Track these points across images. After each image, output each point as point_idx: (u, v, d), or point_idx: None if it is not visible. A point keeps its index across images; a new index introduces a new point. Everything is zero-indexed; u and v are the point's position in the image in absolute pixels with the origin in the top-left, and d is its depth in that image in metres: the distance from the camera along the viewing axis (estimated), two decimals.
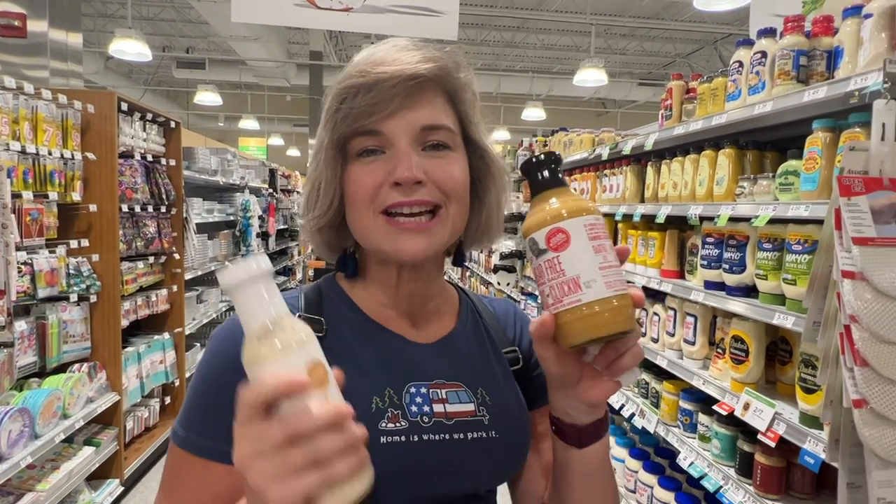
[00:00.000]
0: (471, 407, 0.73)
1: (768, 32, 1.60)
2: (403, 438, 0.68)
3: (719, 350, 1.83)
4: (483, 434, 0.72)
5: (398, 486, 0.67)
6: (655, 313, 2.19)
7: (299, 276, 8.73)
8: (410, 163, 0.66)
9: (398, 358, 0.73)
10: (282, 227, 7.34)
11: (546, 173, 0.62)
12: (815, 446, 1.36)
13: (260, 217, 5.66)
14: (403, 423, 0.69)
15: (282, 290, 0.95)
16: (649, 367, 2.32)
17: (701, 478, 1.80)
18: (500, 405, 0.75)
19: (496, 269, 4.07)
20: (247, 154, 7.41)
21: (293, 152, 17.45)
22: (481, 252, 5.72)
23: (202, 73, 11.72)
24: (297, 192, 8.92)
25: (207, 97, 10.37)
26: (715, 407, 1.74)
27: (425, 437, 0.69)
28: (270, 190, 6.63)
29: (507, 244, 4.00)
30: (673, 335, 2.06)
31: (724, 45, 12.95)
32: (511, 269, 4.07)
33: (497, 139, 14.12)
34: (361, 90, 0.66)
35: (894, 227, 1.04)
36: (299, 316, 0.71)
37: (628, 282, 0.59)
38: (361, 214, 0.69)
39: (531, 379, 0.82)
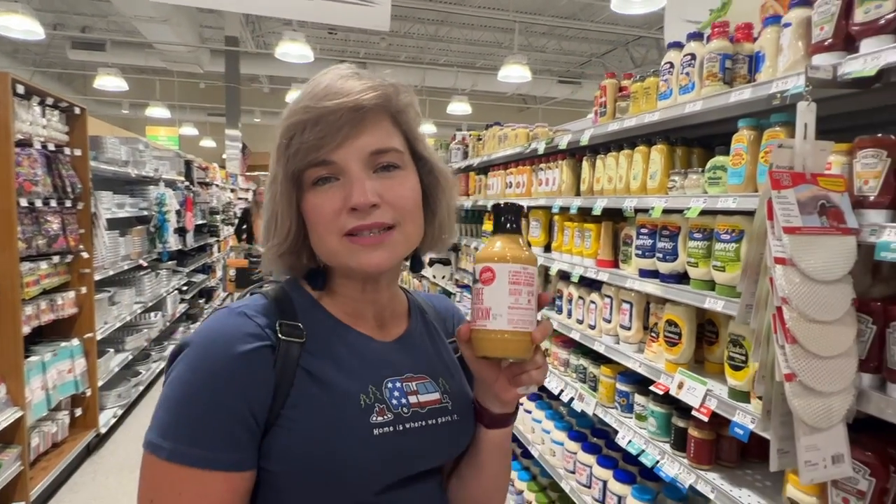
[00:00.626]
0: (437, 395, 0.84)
1: (697, 36, 1.72)
2: (392, 429, 0.76)
3: (653, 334, 1.95)
4: (449, 418, 0.83)
5: (389, 470, 0.76)
6: (592, 301, 2.30)
7: (219, 273, 8.30)
8: (364, 188, 0.72)
9: (371, 356, 0.81)
10: (200, 222, 6.93)
11: (503, 220, 0.76)
12: (744, 418, 1.49)
13: (177, 212, 5.32)
14: (389, 416, 0.77)
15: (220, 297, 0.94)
16: (587, 352, 2.43)
17: (639, 454, 1.92)
18: (457, 391, 0.87)
19: (432, 263, 4.08)
20: (159, 144, 6.92)
21: (208, 143, 16.51)
22: None
23: (102, 55, 10.79)
24: (217, 185, 8.45)
25: (110, 82, 9.58)
26: (651, 387, 1.85)
27: (408, 426, 0.78)
28: (187, 183, 6.24)
29: None
30: (610, 321, 2.17)
31: (634, 46, 13.72)
32: (447, 262, 4.10)
33: (424, 132, 14.14)
34: (308, 125, 0.71)
35: (816, 218, 1.16)
36: (279, 323, 0.75)
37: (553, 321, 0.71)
38: (326, 239, 0.75)
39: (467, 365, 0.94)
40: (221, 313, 0.75)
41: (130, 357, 4.49)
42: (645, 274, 1.96)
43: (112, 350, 4.20)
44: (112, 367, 4.13)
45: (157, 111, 12.46)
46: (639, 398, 2.03)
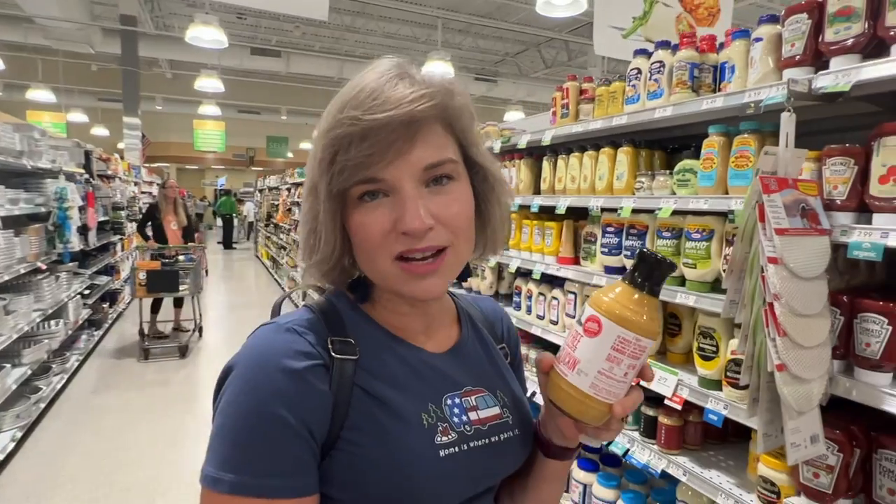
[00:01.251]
0: (497, 410, 0.79)
1: (665, 45, 1.80)
2: (457, 449, 0.72)
3: None
4: (510, 433, 0.79)
5: (456, 492, 0.72)
6: (554, 297, 2.36)
7: (124, 274, 7.59)
8: (418, 212, 0.64)
9: (427, 371, 0.75)
10: (102, 218, 6.29)
11: (644, 276, 0.64)
12: (717, 405, 1.60)
13: (79, 208, 4.79)
14: (453, 435, 0.72)
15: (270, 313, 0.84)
16: (546, 347, 2.50)
17: (609, 443, 2.00)
18: (515, 403, 0.82)
19: None
20: (57, 133, 6.18)
21: (100, 131, 15.01)
22: None
23: None
24: (120, 179, 7.69)
25: None
26: None
27: (472, 445, 0.73)
28: (87, 175, 5.62)
29: None
30: (573, 316, 2.23)
31: (545, 48, 14.21)
32: None
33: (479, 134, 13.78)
34: (354, 140, 0.63)
35: (799, 220, 1.26)
36: (331, 340, 0.69)
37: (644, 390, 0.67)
38: (374, 261, 0.68)
39: (516, 370, 0.92)
40: (267, 330, 0.69)
41: (29, 372, 3.98)
42: (611, 271, 2.04)
43: (8, 365, 3.70)
44: (8, 384, 3.64)
45: (39, 94, 11.12)
46: None
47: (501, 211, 0.79)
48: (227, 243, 17.33)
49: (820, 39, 1.35)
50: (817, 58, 1.37)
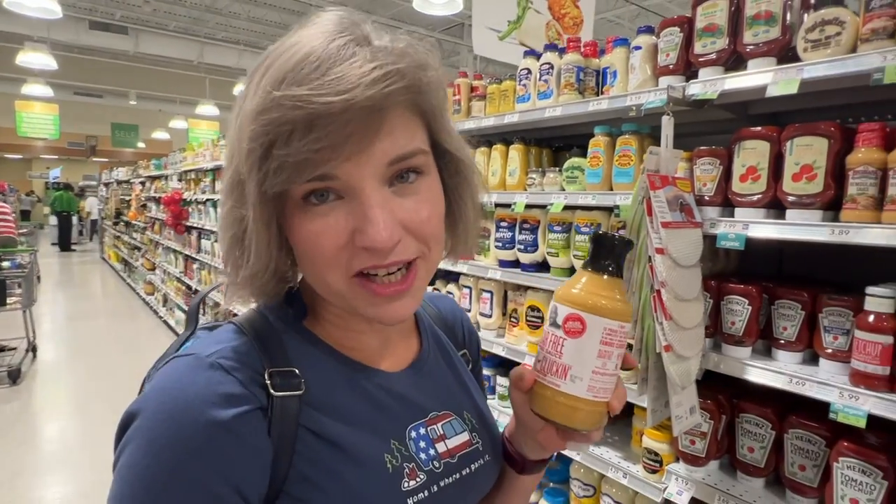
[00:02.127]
0: (466, 436, 0.69)
1: (553, 48, 1.89)
2: (426, 494, 0.62)
3: (513, 319, 2.12)
4: (481, 461, 0.70)
5: None
6: (449, 292, 2.38)
7: None
8: (383, 222, 0.52)
9: (387, 398, 0.64)
10: None
11: (611, 259, 0.60)
12: None
13: None
14: (422, 476, 0.62)
15: (191, 329, 0.70)
16: None
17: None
18: (483, 423, 0.73)
19: None
20: None
21: None
22: (216, 241, 5.14)
23: None
24: None
25: None
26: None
27: (442, 484, 0.64)
28: None
29: None
30: (469, 310, 2.27)
31: None
32: None
33: (203, 114, 12.68)
34: (298, 128, 0.48)
35: (679, 214, 1.39)
36: (269, 373, 0.55)
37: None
38: (326, 278, 0.55)
39: (476, 377, 0.84)
40: (183, 366, 0.54)
41: None
42: (505, 264, 2.11)
43: None
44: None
45: None
46: (500, 380, 2.18)
47: (475, 206, 0.67)
48: (65, 245, 15.16)
49: (690, 51, 1.50)
50: (688, 67, 1.52)
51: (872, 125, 1.20)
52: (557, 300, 0.61)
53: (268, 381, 0.55)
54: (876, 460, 1.21)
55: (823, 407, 1.32)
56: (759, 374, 1.37)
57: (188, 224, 6.09)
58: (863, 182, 1.20)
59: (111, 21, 11.97)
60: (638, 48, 1.61)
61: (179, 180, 6.39)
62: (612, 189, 1.71)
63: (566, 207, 1.83)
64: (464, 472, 0.67)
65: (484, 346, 2.18)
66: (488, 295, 2.20)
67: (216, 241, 5.19)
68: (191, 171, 6.02)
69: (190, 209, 6.03)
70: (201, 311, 0.74)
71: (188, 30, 13.00)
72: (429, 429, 0.66)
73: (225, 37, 13.40)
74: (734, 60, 1.44)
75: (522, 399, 0.64)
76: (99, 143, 18.57)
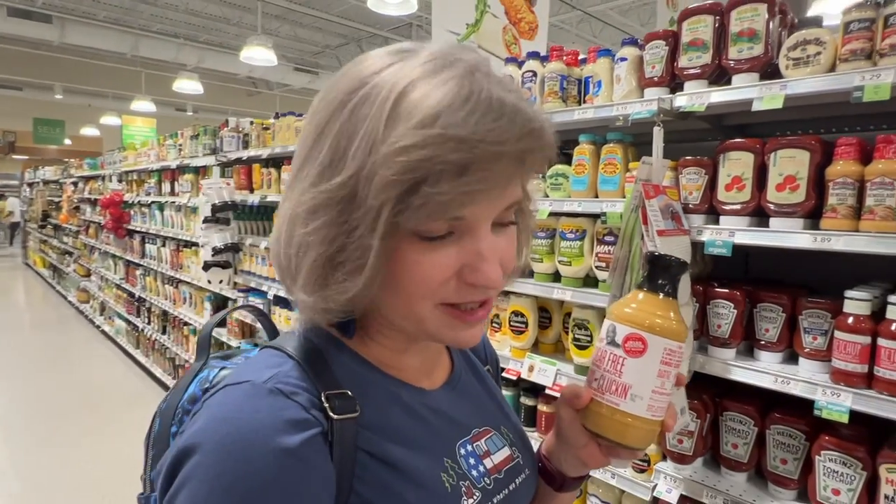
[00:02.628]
0: (507, 451, 0.70)
1: (535, 55, 1.91)
2: None
3: (495, 324, 2.13)
4: (524, 475, 0.71)
5: None
6: None
7: None
8: (496, 262, 0.54)
9: (433, 417, 0.64)
10: None
11: (667, 280, 0.62)
12: None
13: None
14: (477, 494, 0.62)
15: (237, 352, 0.67)
16: None
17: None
18: (519, 437, 0.74)
19: (206, 267, 3.56)
20: None
21: None
22: (163, 246, 4.90)
23: None
24: None
25: None
26: (503, 374, 2.02)
27: (496, 499, 0.65)
28: None
29: (220, 236, 3.54)
30: None
31: (367, 44, 14.20)
32: (225, 265, 3.63)
33: (138, 110, 12.00)
34: (449, 169, 0.47)
35: (671, 222, 1.44)
36: (325, 396, 0.54)
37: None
38: (415, 305, 0.55)
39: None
40: (242, 393, 0.52)
41: None
42: None
43: None
44: None
45: None
46: None
47: (530, 242, 0.72)
48: None
49: (675, 64, 1.55)
50: (673, 79, 1.58)
51: (850, 139, 1.29)
52: (616, 319, 0.61)
53: (326, 405, 0.54)
54: (855, 452, 1.30)
55: (802, 403, 1.41)
56: (746, 374, 1.44)
57: (130, 228, 5.76)
58: (842, 192, 1.28)
59: (32, 8, 11.11)
60: (623, 59, 1.65)
61: (120, 181, 6.02)
62: (597, 196, 1.75)
63: (551, 214, 1.85)
64: (510, 488, 0.67)
65: None
66: None
67: (164, 245, 4.93)
68: (133, 171, 5.69)
69: (132, 212, 5.70)
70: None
71: (119, 20, 12.27)
72: (474, 445, 0.66)
73: (161, 29, 12.75)
74: (718, 75, 1.50)
75: (572, 416, 0.65)
76: (18, 139, 17.20)
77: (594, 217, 1.80)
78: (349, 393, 0.56)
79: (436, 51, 0.53)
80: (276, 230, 0.59)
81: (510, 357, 2.03)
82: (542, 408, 1.97)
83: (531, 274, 1.97)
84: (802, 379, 1.34)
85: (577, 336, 1.83)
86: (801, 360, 1.43)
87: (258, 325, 3.49)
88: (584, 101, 1.85)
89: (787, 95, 1.31)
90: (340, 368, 0.59)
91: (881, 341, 1.23)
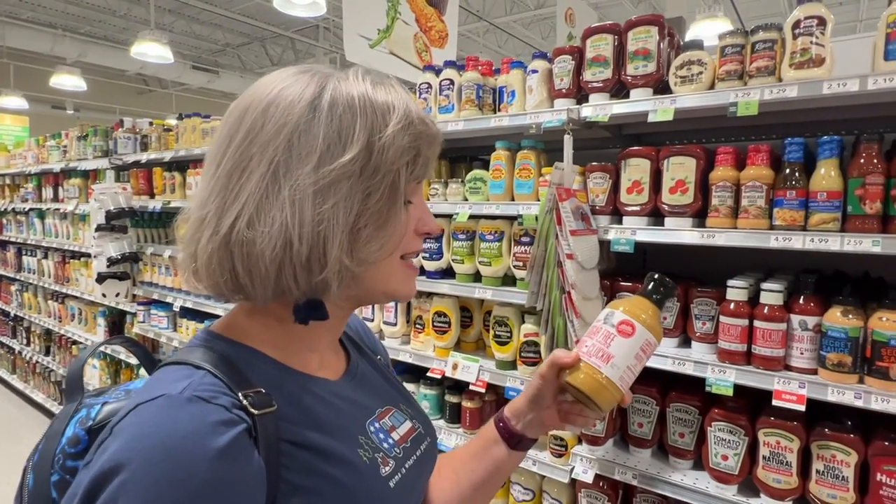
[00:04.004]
0: (409, 424, 0.79)
1: (452, 64, 1.98)
2: (400, 476, 0.71)
3: (418, 325, 2.17)
4: (427, 442, 0.81)
5: None
6: None
7: None
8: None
9: (340, 402, 0.71)
10: None
11: (660, 293, 0.81)
12: (515, 382, 1.85)
13: None
14: (392, 463, 0.71)
15: (148, 365, 0.68)
16: None
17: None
18: (417, 412, 0.84)
19: (102, 279, 3.28)
20: None
21: None
22: (45, 258, 4.45)
23: None
24: None
25: None
26: (428, 373, 2.07)
27: (407, 465, 0.74)
28: None
29: (116, 245, 3.28)
30: (373, 320, 2.28)
31: (271, 44, 13.72)
32: (123, 277, 3.37)
33: (6, 107, 10.71)
34: (431, 141, 0.68)
35: (581, 223, 1.56)
36: (243, 395, 0.57)
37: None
38: (392, 257, 0.68)
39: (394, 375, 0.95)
40: (157, 407, 0.53)
41: None
42: None
43: None
44: None
45: None
46: (408, 386, 2.22)
47: None
48: None
49: (581, 78, 1.69)
50: (579, 91, 1.71)
51: (727, 148, 1.48)
52: (616, 308, 0.79)
53: (245, 402, 0.57)
54: (739, 421, 1.49)
55: (695, 382, 1.59)
56: (651, 359, 1.59)
57: (2, 239, 5.15)
58: (722, 195, 1.46)
59: None
60: (535, 71, 1.77)
61: None
62: (514, 199, 1.85)
63: (471, 217, 1.93)
64: (417, 454, 0.77)
65: (391, 355, 2.21)
66: (392, 304, 2.22)
67: (45, 256, 4.47)
68: (5, 175, 5.09)
69: (5, 221, 5.10)
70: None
71: None
72: (380, 422, 0.74)
73: (32, 17, 11.49)
74: (618, 88, 1.66)
75: (552, 376, 0.80)
76: None
77: (511, 219, 1.90)
78: (263, 390, 0.60)
79: (360, 68, 0.69)
80: (270, 221, 0.59)
81: (434, 357, 2.08)
82: (466, 404, 2.04)
83: (453, 275, 2.04)
84: (695, 360, 1.51)
85: (497, 333, 1.92)
86: (693, 343, 1.60)
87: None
88: (499, 110, 1.95)
89: (676, 108, 1.48)
90: (250, 370, 0.62)
91: (757, 323, 1.42)
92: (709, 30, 5.79)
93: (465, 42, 11.36)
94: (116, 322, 3.87)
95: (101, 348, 3.62)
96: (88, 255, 3.85)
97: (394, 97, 0.66)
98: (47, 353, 4.68)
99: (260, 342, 0.66)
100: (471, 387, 1.96)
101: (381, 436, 0.72)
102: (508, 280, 1.93)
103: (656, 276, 0.82)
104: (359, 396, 0.74)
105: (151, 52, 7.38)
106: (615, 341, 0.76)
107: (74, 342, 4.23)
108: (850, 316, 1.32)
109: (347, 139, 0.61)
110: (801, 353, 1.39)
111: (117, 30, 12.22)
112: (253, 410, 0.57)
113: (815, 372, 1.38)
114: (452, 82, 1.96)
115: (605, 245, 1.64)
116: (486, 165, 1.93)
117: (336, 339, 0.77)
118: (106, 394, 0.69)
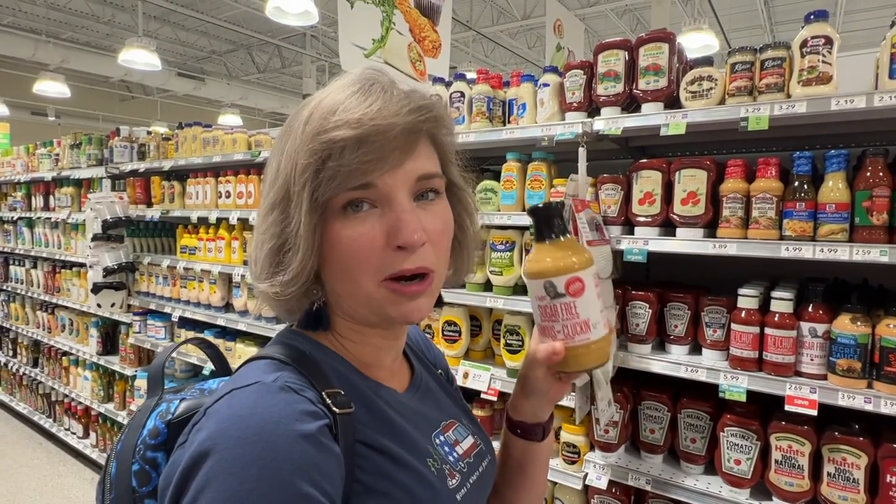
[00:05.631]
0: (471, 439, 0.78)
1: (462, 77, 2.02)
2: (466, 490, 0.71)
3: (428, 335, 2.18)
4: (487, 459, 0.79)
5: None
6: None
7: None
8: (416, 223, 0.61)
9: (408, 412, 0.71)
10: None
11: (558, 222, 0.70)
12: None
13: None
14: (458, 477, 0.71)
15: (232, 362, 0.70)
16: None
17: None
18: (478, 427, 0.83)
19: (98, 289, 3.24)
20: None
21: None
22: (34, 267, 4.37)
23: None
24: None
25: None
26: None
27: (472, 480, 0.73)
28: None
29: (112, 255, 3.24)
30: None
31: (258, 52, 13.66)
32: (120, 287, 3.32)
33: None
34: (350, 144, 0.58)
35: (596, 233, 1.60)
36: (325, 394, 0.60)
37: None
38: (358, 281, 0.62)
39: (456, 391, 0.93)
40: (252, 392, 0.56)
41: None
42: None
43: None
44: None
45: None
46: None
47: (474, 233, 0.76)
48: None
49: (593, 92, 1.73)
50: (590, 105, 1.75)
51: (737, 161, 1.53)
52: (545, 275, 0.68)
53: (328, 401, 0.59)
54: (751, 426, 1.53)
55: (705, 388, 1.63)
56: (662, 366, 1.63)
57: None
58: (733, 206, 1.51)
59: None
60: (546, 85, 1.81)
61: None
62: (524, 210, 1.88)
63: (481, 226, 1.95)
64: (480, 470, 0.76)
65: None
66: None
67: (34, 266, 4.39)
68: None
69: None
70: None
71: None
72: (445, 435, 0.74)
73: (13, 22, 11.31)
74: (629, 102, 1.70)
75: (544, 371, 0.74)
76: None
77: (522, 229, 1.93)
78: (342, 392, 0.62)
79: (356, 73, 0.65)
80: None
81: None
82: (477, 412, 2.05)
83: (463, 285, 2.06)
84: (707, 366, 1.55)
85: (509, 341, 1.94)
86: (704, 350, 1.65)
87: (156, 351, 3.24)
88: (509, 122, 1.99)
89: (688, 123, 1.53)
90: (330, 371, 0.64)
91: (768, 330, 1.47)
92: (696, 41, 5.93)
93: (453, 51, 11.39)
94: (109, 332, 3.82)
95: (176, 350, 3.57)
96: (80, 265, 3.79)
97: (342, 91, 0.62)
98: (35, 364, 4.58)
99: (341, 345, 0.69)
100: (482, 395, 1.97)
101: (447, 448, 0.72)
102: (519, 289, 1.96)
103: (535, 209, 0.72)
104: (424, 408, 0.74)
105: (139, 59, 7.32)
106: (578, 306, 0.68)
107: (65, 353, 4.15)
108: (859, 323, 1.37)
109: (282, 162, 0.63)
110: (812, 360, 1.44)
111: (100, 36, 12.09)
112: (335, 409, 0.59)
113: (824, 377, 1.43)
114: (463, 94, 1.99)
115: (617, 255, 1.68)
116: (495, 176, 1.96)
117: (399, 352, 0.77)
118: (183, 391, 0.73)
